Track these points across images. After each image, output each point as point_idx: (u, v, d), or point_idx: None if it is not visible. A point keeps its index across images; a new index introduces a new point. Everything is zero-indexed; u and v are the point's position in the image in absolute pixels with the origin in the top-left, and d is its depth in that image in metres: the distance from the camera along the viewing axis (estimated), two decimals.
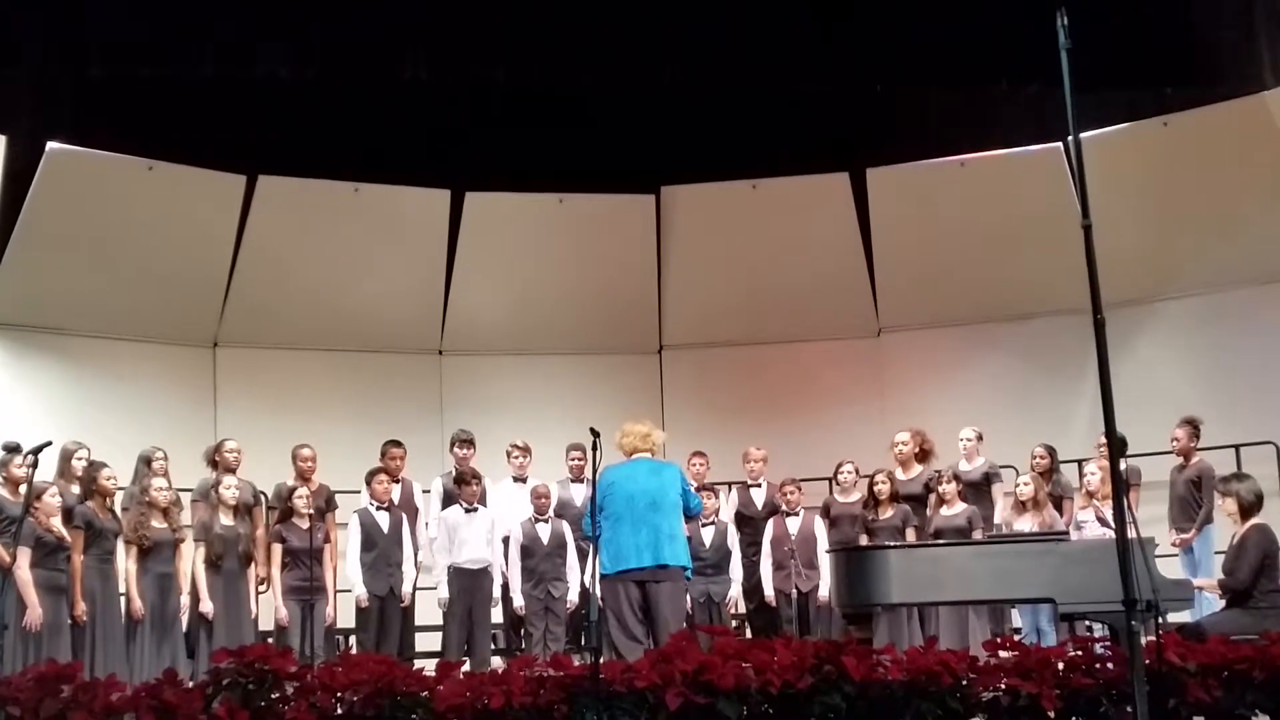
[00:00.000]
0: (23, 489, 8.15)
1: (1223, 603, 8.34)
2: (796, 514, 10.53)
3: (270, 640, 9.27)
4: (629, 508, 8.22)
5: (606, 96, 12.19)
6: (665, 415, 12.46)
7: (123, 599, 9.02)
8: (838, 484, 10.83)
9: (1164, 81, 11.76)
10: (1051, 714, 6.64)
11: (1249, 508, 8.20)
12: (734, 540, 10.50)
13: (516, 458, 10.78)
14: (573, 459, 10.72)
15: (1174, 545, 9.98)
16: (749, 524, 10.82)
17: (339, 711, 6.30)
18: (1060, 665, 6.84)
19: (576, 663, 7.01)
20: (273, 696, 6.29)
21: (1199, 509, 9.87)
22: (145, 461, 9.63)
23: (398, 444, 10.55)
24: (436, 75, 11.50)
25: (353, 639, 10.16)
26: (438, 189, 12.69)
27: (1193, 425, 10.15)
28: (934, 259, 12.77)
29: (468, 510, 10.12)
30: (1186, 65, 11.59)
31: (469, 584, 9.99)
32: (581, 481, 10.64)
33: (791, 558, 10.26)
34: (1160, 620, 6.93)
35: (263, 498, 10.28)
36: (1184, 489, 10.08)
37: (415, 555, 10.23)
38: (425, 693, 6.37)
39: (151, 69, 11.09)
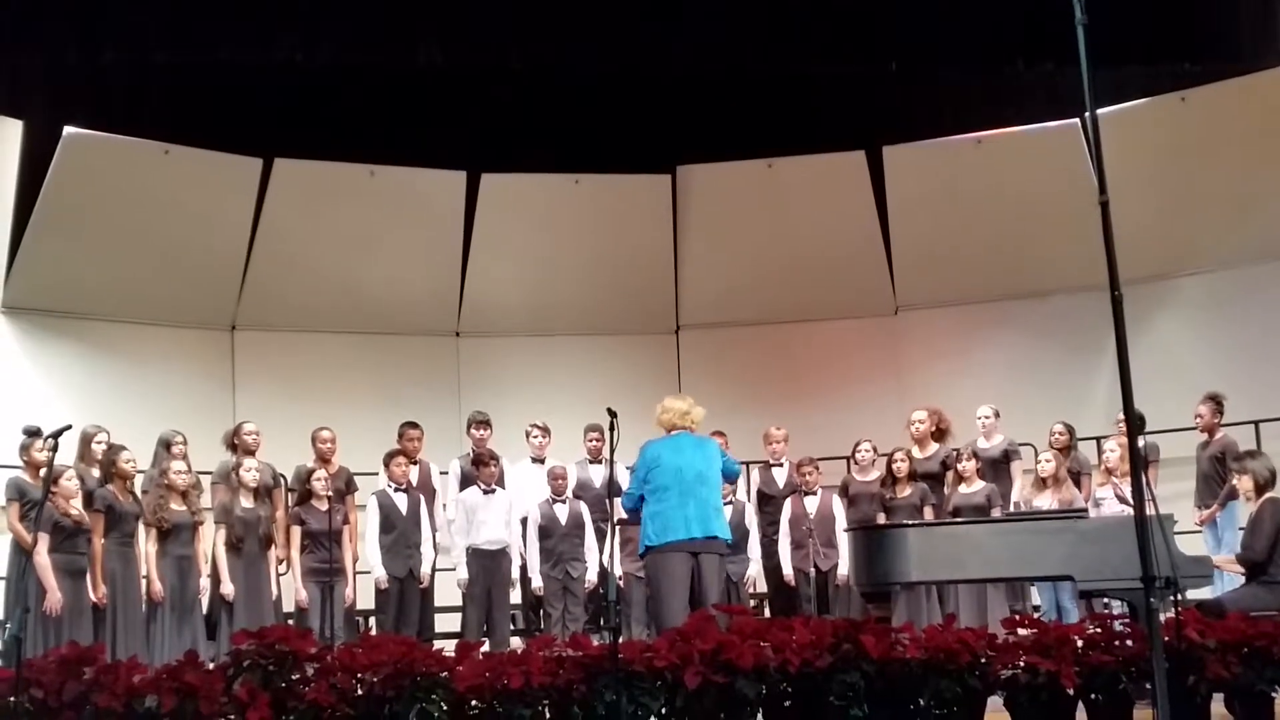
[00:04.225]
0: (43, 473, 8.18)
1: (1242, 579, 8.34)
2: (814, 493, 10.52)
3: (290, 622, 9.31)
4: (677, 480, 8.11)
5: (622, 77, 12.16)
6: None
7: (143, 582, 9.07)
8: (855, 463, 10.83)
9: (1182, 56, 11.70)
10: (1070, 691, 6.65)
11: (1264, 484, 8.21)
12: (752, 520, 10.50)
13: (536, 438, 10.79)
14: (590, 440, 10.73)
15: (1196, 523, 9.96)
16: (770, 503, 10.82)
17: (359, 692, 6.32)
18: (1079, 642, 6.84)
19: (595, 643, 7.02)
20: (293, 678, 6.31)
21: (1223, 485, 9.83)
22: (164, 445, 9.66)
23: (414, 425, 10.57)
24: (452, 57, 11.50)
25: (372, 620, 10.20)
26: (454, 171, 12.70)
27: (1216, 401, 10.11)
28: (951, 237, 12.74)
29: (485, 491, 10.14)
30: (1204, 40, 11.53)
31: (487, 565, 10.01)
32: (599, 462, 10.66)
33: (810, 537, 10.26)
34: (1179, 597, 6.93)
35: (282, 480, 10.31)
36: (1208, 465, 10.06)
37: (433, 537, 10.26)
38: (445, 673, 6.38)
39: (167, 53, 11.11)
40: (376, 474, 10.47)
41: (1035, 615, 8.43)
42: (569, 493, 10.34)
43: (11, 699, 5.98)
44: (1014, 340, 12.74)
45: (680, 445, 8.32)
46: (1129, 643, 6.79)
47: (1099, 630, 6.96)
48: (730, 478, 8.78)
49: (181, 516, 9.17)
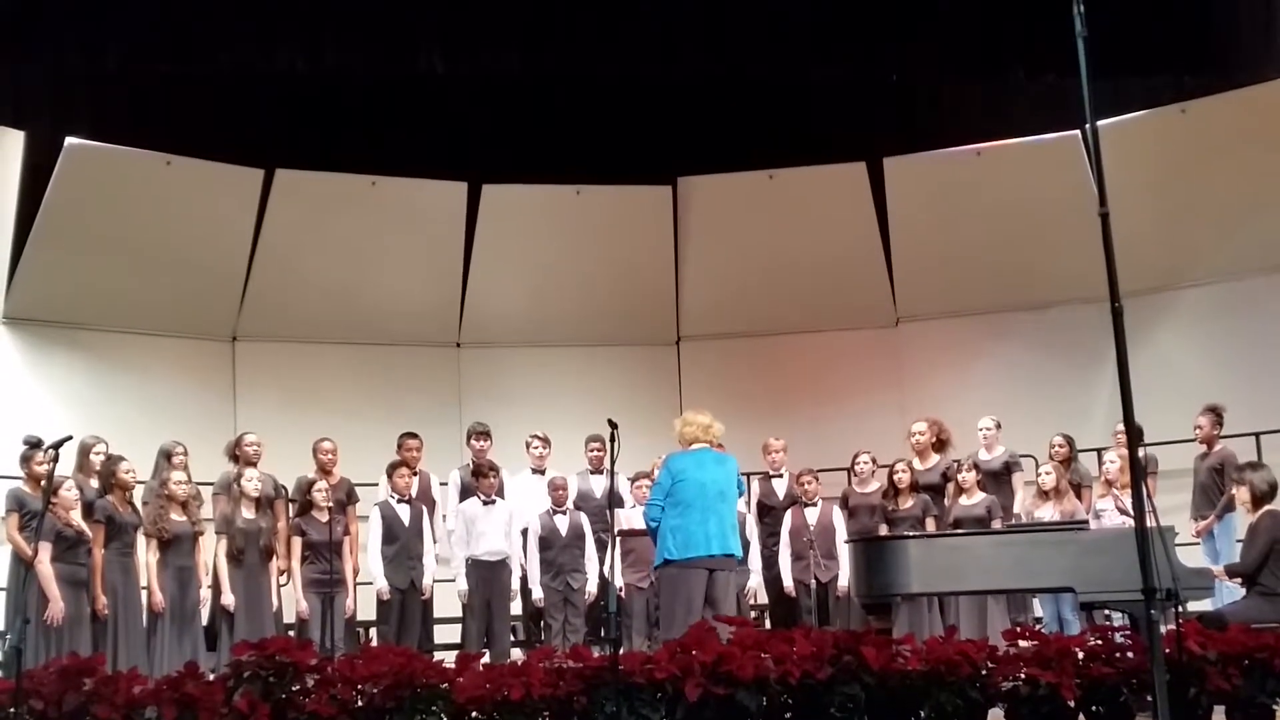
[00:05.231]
0: (44, 484, 8.18)
1: (1243, 591, 8.34)
2: (815, 504, 10.52)
3: (291, 633, 9.31)
4: (700, 495, 8.16)
5: (623, 87, 12.19)
6: (683, 406, 12.40)
7: (143, 592, 9.07)
8: (855, 474, 10.81)
9: (1182, 68, 11.72)
10: (1071, 703, 6.65)
11: (1261, 496, 8.23)
12: (752, 531, 10.49)
13: (536, 449, 10.78)
14: (591, 450, 10.73)
15: (1194, 535, 9.96)
16: (770, 514, 10.81)
17: (359, 704, 6.32)
18: (1080, 655, 6.84)
19: (596, 654, 7.02)
20: (293, 689, 6.32)
21: (1221, 496, 9.84)
22: (165, 455, 9.66)
23: (413, 435, 10.58)
24: (453, 68, 11.53)
25: (373, 631, 10.19)
26: (455, 181, 12.69)
27: (1215, 413, 10.12)
28: (951, 248, 12.74)
29: (485, 502, 10.14)
30: (1205, 52, 11.55)
31: (487, 576, 10.01)
32: (600, 473, 10.66)
33: (810, 548, 10.26)
34: (1180, 609, 6.92)
35: (283, 491, 10.31)
36: (1206, 477, 10.05)
37: (433, 548, 10.25)
38: (445, 684, 6.39)
39: (169, 64, 11.13)
40: (377, 485, 10.46)
41: (1036, 627, 8.43)
42: (569, 504, 10.34)
43: (11, 709, 5.98)
44: (1014, 352, 12.73)
45: (703, 460, 8.36)
46: (1130, 655, 6.80)
47: (1100, 642, 6.97)
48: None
49: (182, 527, 9.17)
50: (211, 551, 9.44)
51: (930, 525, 10.23)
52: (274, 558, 9.60)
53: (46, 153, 11.24)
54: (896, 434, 11.24)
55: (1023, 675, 6.76)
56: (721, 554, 8.13)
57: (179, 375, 12.11)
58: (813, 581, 10.26)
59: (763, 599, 10.81)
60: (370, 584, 9.94)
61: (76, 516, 8.73)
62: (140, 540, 9.12)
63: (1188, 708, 6.57)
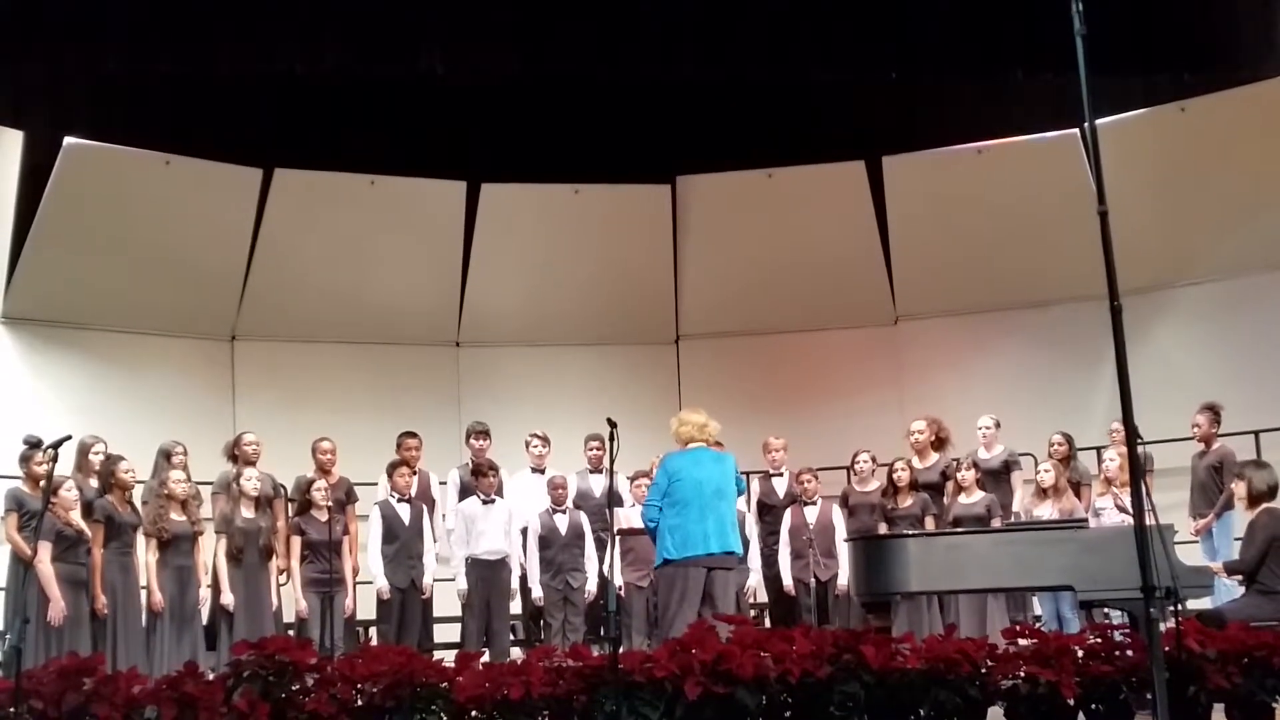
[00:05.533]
0: (43, 484, 8.18)
1: (1242, 589, 8.35)
2: (814, 503, 10.52)
3: (290, 632, 9.31)
4: (697, 494, 8.18)
5: (622, 86, 12.17)
6: (683, 405, 12.39)
7: (143, 592, 9.07)
8: (855, 473, 10.82)
9: (1182, 66, 11.70)
10: (1071, 701, 6.65)
11: (1259, 495, 8.23)
12: (752, 529, 10.50)
13: (536, 448, 10.78)
14: (591, 449, 10.73)
15: (1193, 533, 9.96)
16: (770, 513, 10.82)
17: (359, 703, 6.32)
18: (1080, 653, 6.85)
19: (595, 653, 7.02)
20: (293, 688, 6.32)
21: (1220, 495, 9.84)
22: (164, 455, 9.66)
23: (412, 434, 10.57)
24: (452, 67, 11.50)
25: (372, 631, 10.19)
26: (453, 180, 12.69)
27: (1213, 411, 10.13)
28: (951, 246, 12.74)
29: (485, 502, 10.14)
30: (1204, 50, 11.53)
31: (486, 575, 10.01)
32: (600, 472, 10.66)
33: (810, 547, 10.27)
34: (1179, 607, 6.93)
35: (282, 490, 10.31)
36: (1205, 475, 10.06)
37: (433, 546, 10.25)
38: (445, 684, 6.39)
39: (168, 64, 11.11)
40: (376, 484, 10.46)
41: (1036, 625, 8.44)
42: (569, 502, 10.34)
43: (11, 709, 5.98)
44: (1014, 350, 12.73)
45: (700, 459, 8.37)
46: (1129, 653, 6.80)
47: (1099, 640, 6.97)
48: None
49: (181, 527, 9.17)
50: (211, 551, 9.44)
51: (929, 524, 10.23)
52: (273, 557, 9.60)
53: (46, 152, 11.23)
54: (896, 432, 11.25)
55: (1022, 673, 6.76)
56: (721, 552, 8.14)
57: (178, 375, 12.11)
58: (812, 580, 10.27)
59: (762, 597, 10.83)
60: (370, 583, 9.94)
61: (76, 516, 8.74)
62: (140, 540, 9.13)
63: (1187, 706, 6.57)
